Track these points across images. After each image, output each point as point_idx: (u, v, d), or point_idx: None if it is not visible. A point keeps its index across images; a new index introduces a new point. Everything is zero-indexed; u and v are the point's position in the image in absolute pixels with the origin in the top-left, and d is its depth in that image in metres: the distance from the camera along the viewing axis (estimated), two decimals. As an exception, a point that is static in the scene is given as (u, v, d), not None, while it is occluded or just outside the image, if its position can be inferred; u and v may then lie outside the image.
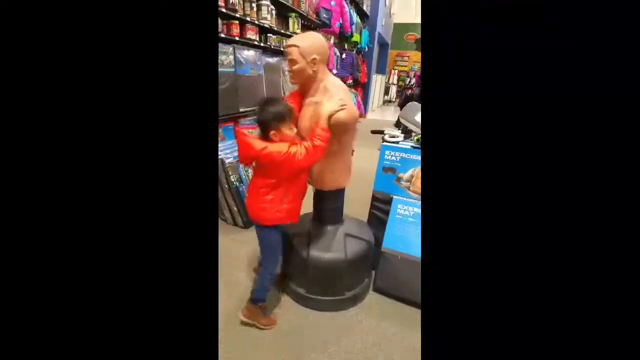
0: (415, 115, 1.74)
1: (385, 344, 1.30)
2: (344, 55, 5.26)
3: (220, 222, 2.18)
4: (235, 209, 2.07)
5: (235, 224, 2.12)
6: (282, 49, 3.21)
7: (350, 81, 5.79)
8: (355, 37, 5.65)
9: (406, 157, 1.63)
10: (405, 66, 11.60)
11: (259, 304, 1.33)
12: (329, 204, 1.47)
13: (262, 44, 2.82)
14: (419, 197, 1.63)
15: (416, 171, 1.63)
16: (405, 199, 1.63)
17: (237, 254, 1.83)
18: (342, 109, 1.15)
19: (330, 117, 1.14)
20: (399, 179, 1.68)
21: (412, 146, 1.64)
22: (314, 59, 1.17)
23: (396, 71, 11.31)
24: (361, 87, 6.83)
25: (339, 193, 1.47)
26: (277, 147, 1.09)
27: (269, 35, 2.89)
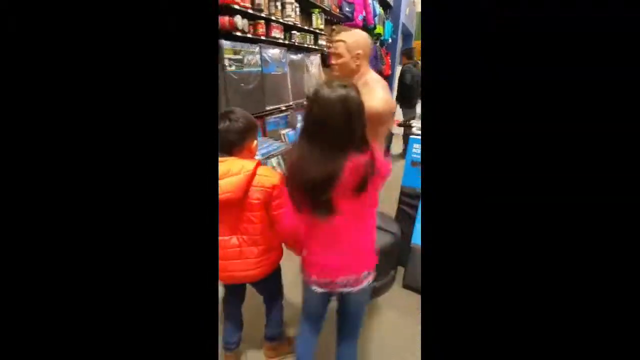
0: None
1: (403, 339, 1.29)
2: (367, 49, 5.18)
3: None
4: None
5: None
6: (306, 46, 3.23)
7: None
8: (379, 29, 5.55)
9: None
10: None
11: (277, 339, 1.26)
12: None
13: (286, 42, 2.85)
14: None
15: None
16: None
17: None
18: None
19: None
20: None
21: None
22: (358, 54, 1.26)
23: (420, 62, 10.96)
24: (385, 79, 6.70)
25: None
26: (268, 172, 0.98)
27: (293, 32, 2.92)
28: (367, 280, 0.90)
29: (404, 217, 1.71)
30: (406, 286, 1.58)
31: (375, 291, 1.49)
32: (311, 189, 0.77)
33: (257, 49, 2.46)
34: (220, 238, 0.99)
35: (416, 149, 1.64)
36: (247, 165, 0.93)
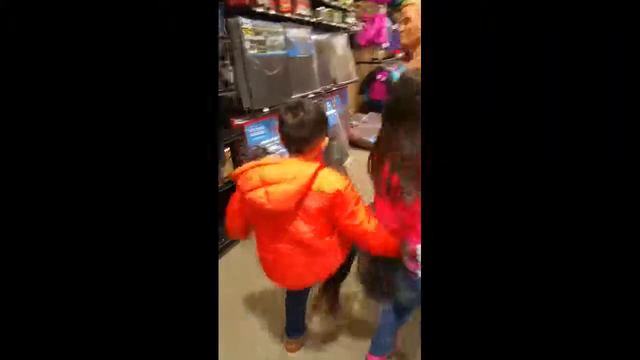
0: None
1: None
2: (395, 27, 4.73)
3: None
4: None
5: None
6: (334, 24, 2.87)
7: (400, 54, 5.25)
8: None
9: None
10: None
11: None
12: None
13: (313, 20, 2.51)
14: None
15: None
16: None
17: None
18: None
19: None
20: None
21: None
22: None
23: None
24: (413, 61, 6.20)
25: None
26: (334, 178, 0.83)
27: (319, 9, 2.56)
28: None
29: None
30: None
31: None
32: (406, 167, 0.75)
33: (281, 28, 2.14)
34: (265, 244, 0.91)
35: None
36: (306, 169, 0.79)
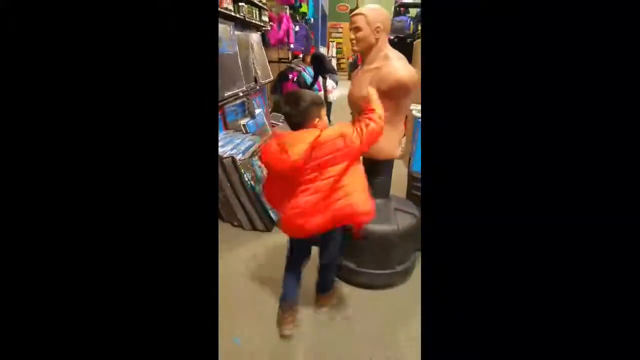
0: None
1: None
2: (297, 28, 4.92)
3: (235, 229, 1.90)
4: (253, 210, 1.82)
5: (254, 228, 1.87)
6: (253, 21, 2.82)
7: (302, 55, 5.50)
8: (304, 8, 5.32)
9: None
10: (341, 38, 11.50)
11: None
12: (379, 175, 1.42)
13: (237, 15, 2.42)
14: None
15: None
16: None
17: (272, 264, 1.62)
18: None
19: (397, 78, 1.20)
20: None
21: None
22: (378, 27, 1.24)
23: (334, 43, 11.17)
24: (311, 62, 6.54)
25: (390, 163, 1.44)
26: (331, 132, 1.03)
27: (241, 4, 2.48)
28: None
29: (416, 203, 1.66)
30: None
31: (404, 273, 1.45)
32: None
33: (208, 22, 2.00)
34: (289, 198, 1.05)
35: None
36: (308, 137, 0.99)
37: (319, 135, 0.99)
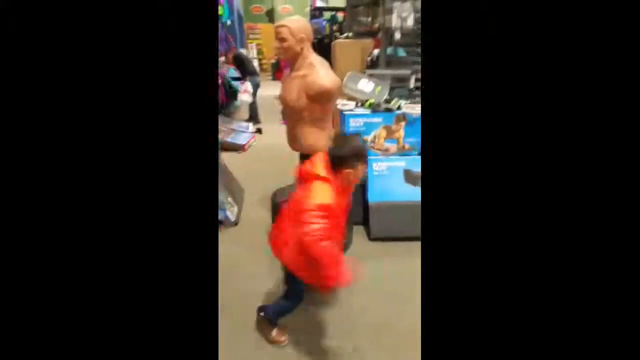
0: (357, 84, 1.96)
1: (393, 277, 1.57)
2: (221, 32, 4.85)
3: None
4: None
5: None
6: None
7: (223, 58, 5.44)
8: (220, 10, 5.25)
9: (368, 121, 1.87)
10: (260, 39, 11.49)
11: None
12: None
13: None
14: (385, 153, 1.92)
15: (377, 132, 1.90)
16: (376, 157, 1.89)
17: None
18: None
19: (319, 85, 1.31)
20: (364, 142, 1.91)
21: (372, 111, 1.88)
22: (302, 37, 1.37)
23: (254, 44, 11.11)
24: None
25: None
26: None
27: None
28: None
29: (351, 184, 1.93)
30: (375, 239, 1.84)
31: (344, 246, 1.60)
32: None
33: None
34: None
35: (352, 122, 1.86)
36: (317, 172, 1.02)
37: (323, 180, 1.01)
